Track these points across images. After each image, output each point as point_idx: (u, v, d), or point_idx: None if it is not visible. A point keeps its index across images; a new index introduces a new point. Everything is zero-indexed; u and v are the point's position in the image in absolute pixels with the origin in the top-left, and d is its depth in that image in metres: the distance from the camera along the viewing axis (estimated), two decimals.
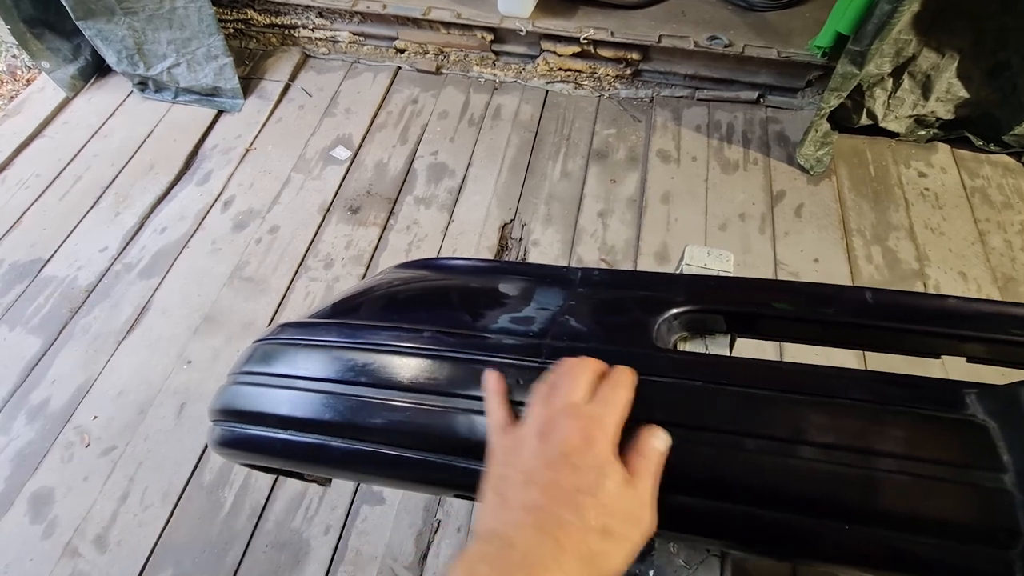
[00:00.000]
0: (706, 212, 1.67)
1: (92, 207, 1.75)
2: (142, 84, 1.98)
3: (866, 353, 1.24)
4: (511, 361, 0.45)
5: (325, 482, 0.75)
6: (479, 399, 0.43)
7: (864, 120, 1.79)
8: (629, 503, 0.35)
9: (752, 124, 1.88)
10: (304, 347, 0.53)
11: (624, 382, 0.40)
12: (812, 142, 1.74)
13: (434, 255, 1.59)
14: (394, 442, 0.45)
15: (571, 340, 0.48)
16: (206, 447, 1.30)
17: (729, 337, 0.57)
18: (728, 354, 0.55)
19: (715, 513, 0.38)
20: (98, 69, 2.05)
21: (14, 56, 2.30)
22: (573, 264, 1.57)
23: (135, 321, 1.52)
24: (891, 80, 1.71)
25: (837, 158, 1.80)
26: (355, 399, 0.46)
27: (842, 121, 1.82)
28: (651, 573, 0.47)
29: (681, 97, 1.96)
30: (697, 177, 1.75)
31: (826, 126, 1.74)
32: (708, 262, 0.66)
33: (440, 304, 0.58)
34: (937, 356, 0.50)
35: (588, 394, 0.39)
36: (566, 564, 0.32)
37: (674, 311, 0.52)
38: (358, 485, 1.24)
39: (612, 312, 0.53)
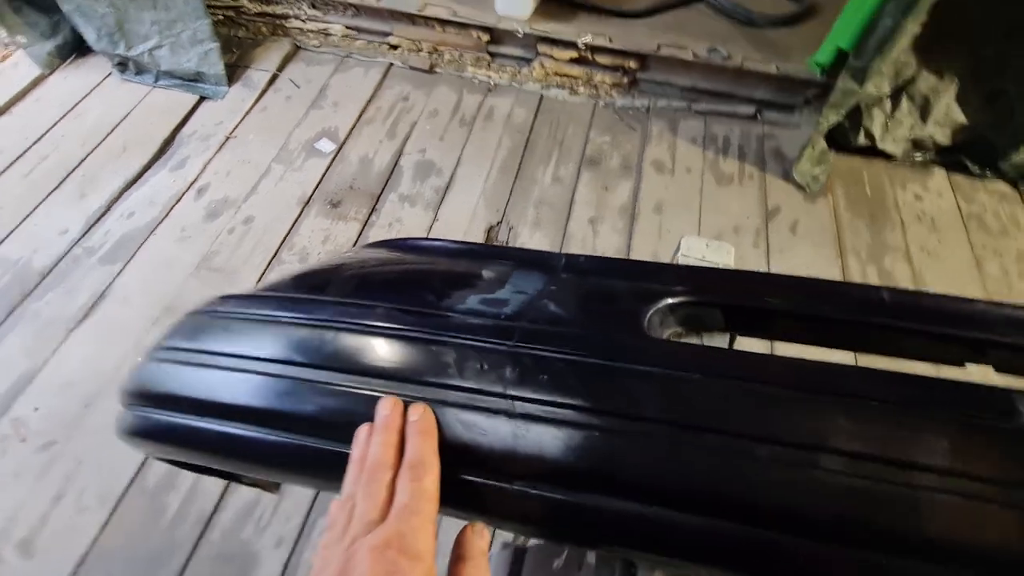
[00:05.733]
0: (699, 223, 1.62)
1: (56, 188, 1.65)
2: (122, 65, 1.90)
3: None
4: (475, 343, 0.38)
5: (272, 488, 0.67)
6: (430, 384, 0.36)
7: (862, 140, 1.76)
8: None
9: (749, 139, 1.84)
10: (236, 320, 0.45)
11: (423, 457, 0.32)
12: (809, 159, 1.71)
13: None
14: (322, 434, 0.37)
15: (549, 324, 0.41)
16: None
17: (728, 337, 0.50)
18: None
19: (718, 535, 0.30)
20: (77, 48, 1.97)
21: None
22: None
23: (91, 308, 1.41)
24: (890, 102, 1.69)
25: (834, 177, 1.77)
26: (282, 380, 0.39)
27: (840, 140, 1.79)
28: None
29: (678, 109, 1.92)
30: (691, 188, 1.70)
31: (823, 144, 1.71)
32: (707, 254, 0.60)
33: (403, 282, 0.51)
34: (962, 364, 0.44)
35: (386, 502, 0.31)
36: None
37: (668, 301, 0.45)
38: (316, 495, 1.14)
39: (597, 299, 0.46)
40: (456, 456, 0.34)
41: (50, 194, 1.63)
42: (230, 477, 0.55)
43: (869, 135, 1.75)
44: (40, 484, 1.16)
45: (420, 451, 0.32)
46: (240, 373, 0.41)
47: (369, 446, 0.33)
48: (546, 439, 0.33)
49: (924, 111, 1.68)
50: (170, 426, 0.43)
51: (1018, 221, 1.65)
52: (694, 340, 0.49)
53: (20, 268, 1.48)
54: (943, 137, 1.73)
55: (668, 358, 0.36)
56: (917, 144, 1.77)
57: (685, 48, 1.79)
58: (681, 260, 0.58)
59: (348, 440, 0.36)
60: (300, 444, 0.38)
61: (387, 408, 0.34)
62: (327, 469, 0.38)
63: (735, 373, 0.35)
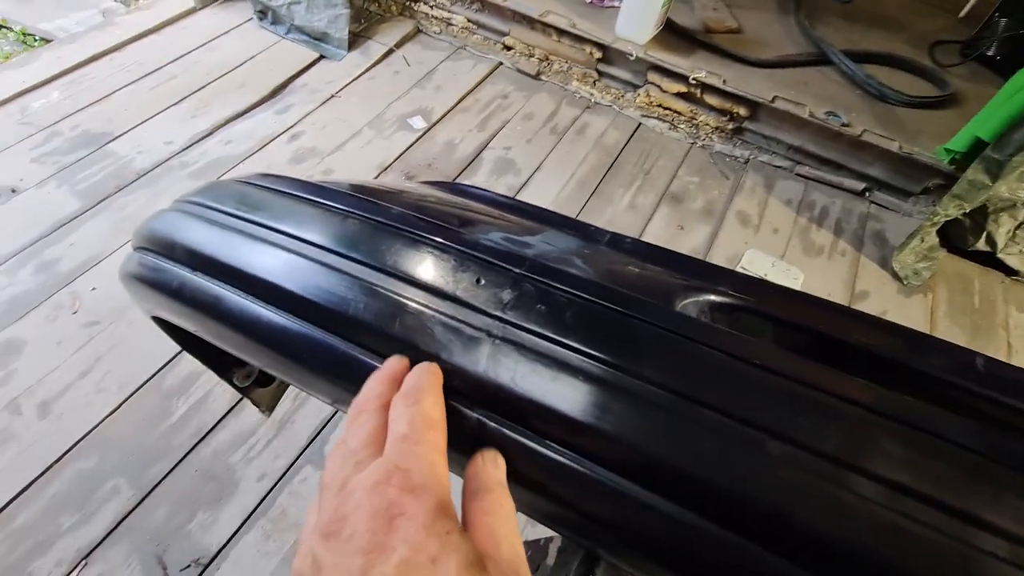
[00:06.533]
0: None
1: (174, 104, 1.79)
2: (262, 13, 2.06)
3: None
4: (479, 257, 0.34)
5: (263, 408, 0.65)
6: (419, 286, 0.32)
7: (981, 245, 1.58)
8: None
9: (850, 215, 1.71)
10: (260, 190, 0.44)
11: (420, 383, 0.27)
12: (914, 251, 1.55)
13: None
14: (305, 315, 0.34)
15: (567, 267, 0.36)
16: (181, 351, 1.23)
17: None
18: None
19: (687, 529, 0.24)
20: None
21: None
22: None
23: None
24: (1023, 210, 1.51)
25: (938, 277, 1.59)
26: (281, 251, 0.36)
27: (954, 239, 1.62)
28: None
29: (779, 167, 1.82)
30: (773, 249, 1.58)
31: (935, 238, 1.55)
32: (771, 273, 0.54)
33: (433, 206, 0.48)
34: None
35: (377, 434, 0.26)
36: None
37: (712, 297, 0.39)
38: (310, 442, 1.13)
39: (631, 273, 0.41)
40: None
41: (167, 108, 1.78)
42: (220, 367, 0.54)
43: (991, 241, 1.57)
44: (74, 357, 1.22)
45: (417, 379, 0.28)
46: (230, 231, 0.40)
47: (362, 398, 0.28)
48: (521, 370, 0.28)
49: None
50: (170, 275, 0.42)
51: None
52: None
53: (122, 164, 1.61)
54: None
55: (691, 328, 0.31)
56: None
57: (803, 105, 1.69)
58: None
59: (330, 328, 0.33)
60: (283, 321, 0.36)
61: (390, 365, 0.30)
62: (302, 353, 0.35)
63: (768, 364, 0.29)
